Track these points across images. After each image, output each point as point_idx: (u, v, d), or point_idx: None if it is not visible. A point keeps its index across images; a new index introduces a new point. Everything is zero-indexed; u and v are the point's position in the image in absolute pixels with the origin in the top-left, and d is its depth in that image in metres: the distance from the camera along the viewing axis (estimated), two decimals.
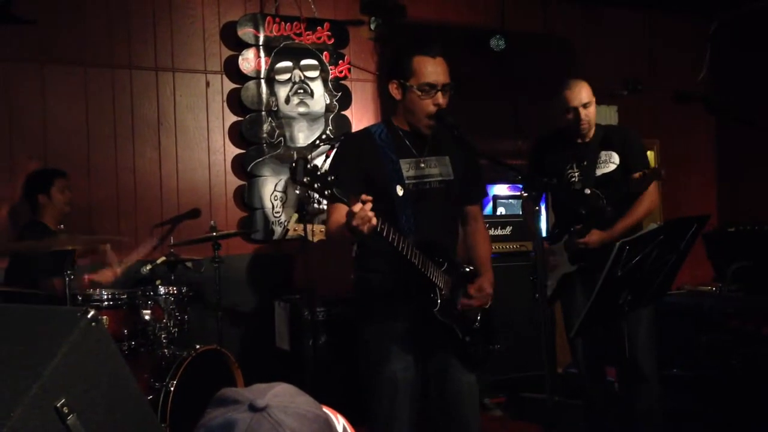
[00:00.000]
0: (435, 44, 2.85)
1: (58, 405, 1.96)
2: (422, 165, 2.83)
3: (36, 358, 1.99)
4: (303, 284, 5.57)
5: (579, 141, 3.81)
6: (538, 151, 4.01)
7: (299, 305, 5.12)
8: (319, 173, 2.27)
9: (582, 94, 3.74)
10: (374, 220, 2.35)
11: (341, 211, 2.51)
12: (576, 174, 3.78)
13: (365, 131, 2.97)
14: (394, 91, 2.84)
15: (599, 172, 3.75)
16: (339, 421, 1.22)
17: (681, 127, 7.10)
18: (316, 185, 2.27)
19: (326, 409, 1.22)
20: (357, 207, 2.32)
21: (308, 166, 2.26)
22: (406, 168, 2.80)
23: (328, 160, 5.16)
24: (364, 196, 2.34)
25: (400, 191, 2.74)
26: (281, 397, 1.08)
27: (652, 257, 2.60)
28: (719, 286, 5.85)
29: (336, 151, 2.99)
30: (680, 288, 5.90)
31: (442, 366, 2.83)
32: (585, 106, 3.73)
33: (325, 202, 2.69)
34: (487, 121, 6.44)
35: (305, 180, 2.24)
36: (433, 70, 2.77)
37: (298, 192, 5.42)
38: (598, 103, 7.05)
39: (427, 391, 2.86)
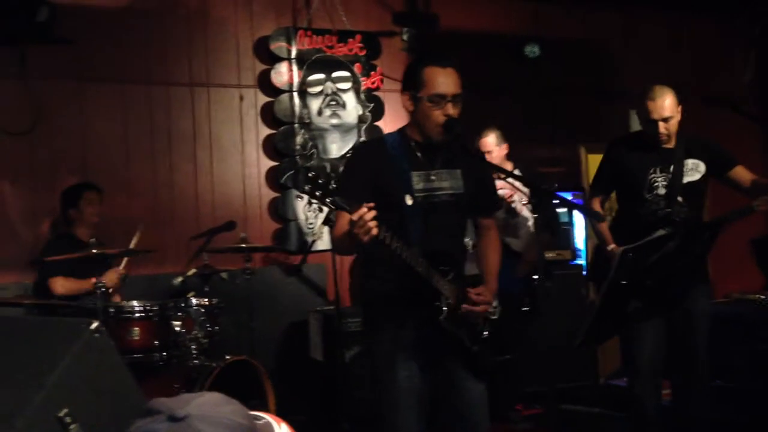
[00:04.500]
0: (446, 55, 2.84)
1: (61, 415, 2.01)
2: (433, 177, 2.83)
3: (39, 368, 2.05)
4: (337, 295, 5.59)
5: (663, 146, 3.77)
6: (618, 150, 3.95)
7: (333, 316, 5.14)
8: (320, 182, 2.30)
9: (664, 108, 3.67)
10: (375, 230, 2.36)
11: (346, 219, 2.53)
12: (660, 179, 3.75)
13: (379, 140, 3.00)
14: (407, 102, 2.85)
15: (686, 180, 3.73)
16: (281, 429, 1.22)
17: (727, 132, 6.90)
18: (317, 193, 2.30)
19: (269, 417, 1.22)
20: (358, 215, 2.33)
21: (309, 175, 2.29)
22: (416, 180, 2.80)
23: None
24: (366, 205, 2.35)
25: (409, 201, 2.74)
26: (204, 406, 1.09)
27: (661, 264, 2.54)
28: None
29: (347, 160, 3.03)
30: (728, 296, 5.75)
31: (449, 375, 2.82)
32: (665, 120, 3.68)
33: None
34: (523, 128, 6.39)
35: (306, 188, 2.29)
36: (443, 80, 2.76)
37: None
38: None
39: (437, 401, 2.84)
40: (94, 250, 3.87)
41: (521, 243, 4.77)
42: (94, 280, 3.94)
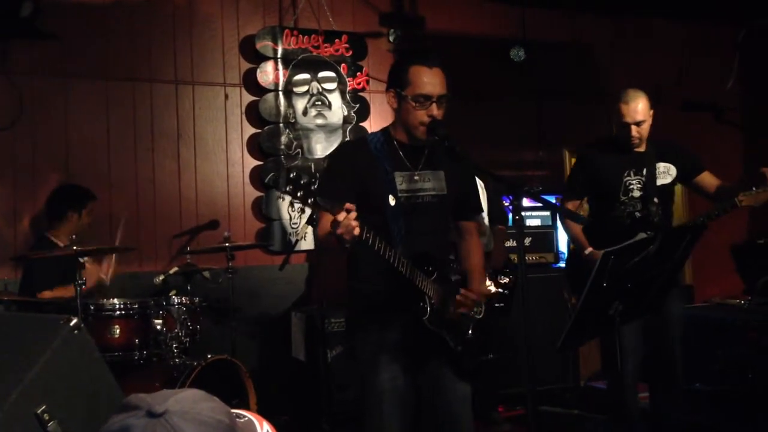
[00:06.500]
0: (433, 54, 2.83)
1: (39, 411, 2.00)
2: (416, 178, 2.82)
3: (18, 364, 2.03)
4: (320, 295, 5.59)
5: (635, 150, 3.84)
6: (591, 155, 4.01)
7: (315, 316, 5.13)
8: (301, 182, 2.30)
9: (637, 112, 3.74)
10: (357, 230, 2.36)
11: (329, 219, 2.53)
12: (634, 182, 3.82)
13: (362, 140, 2.99)
14: (391, 100, 2.84)
15: (658, 182, 3.83)
16: (263, 428, 1.22)
17: (708, 137, 6.96)
18: (298, 194, 2.29)
19: (251, 415, 1.21)
20: (341, 216, 2.33)
21: (291, 176, 2.29)
22: (400, 181, 2.80)
23: None
24: (348, 205, 2.35)
25: (392, 201, 2.74)
26: (183, 402, 1.08)
27: (642, 267, 2.55)
28: (748, 299, 5.73)
29: (330, 160, 3.01)
30: (708, 301, 5.80)
31: (434, 376, 2.82)
32: (638, 124, 3.75)
33: None
34: (509, 131, 6.42)
35: (287, 189, 2.28)
36: (429, 80, 2.75)
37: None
38: None
39: (421, 402, 2.84)
40: (75, 247, 3.84)
41: (485, 239, 4.73)
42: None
